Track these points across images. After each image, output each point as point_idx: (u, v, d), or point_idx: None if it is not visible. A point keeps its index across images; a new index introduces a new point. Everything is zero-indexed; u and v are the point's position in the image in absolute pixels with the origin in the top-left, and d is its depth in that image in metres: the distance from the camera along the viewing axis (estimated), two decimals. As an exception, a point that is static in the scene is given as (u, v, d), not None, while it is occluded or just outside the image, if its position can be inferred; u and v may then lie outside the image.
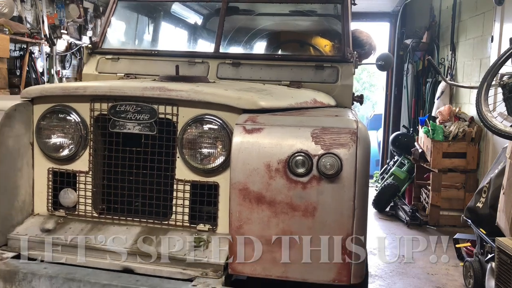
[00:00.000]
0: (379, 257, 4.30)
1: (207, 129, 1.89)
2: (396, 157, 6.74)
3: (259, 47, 3.58)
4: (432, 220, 5.28)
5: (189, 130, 1.89)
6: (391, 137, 6.80)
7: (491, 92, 3.12)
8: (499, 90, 3.10)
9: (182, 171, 1.93)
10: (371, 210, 6.03)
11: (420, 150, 5.69)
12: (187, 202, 1.93)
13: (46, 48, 5.34)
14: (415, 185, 5.89)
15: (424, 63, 6.80)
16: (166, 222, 1.95)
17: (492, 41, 4.93)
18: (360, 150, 1.66)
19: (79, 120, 1.99)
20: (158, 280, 1.73)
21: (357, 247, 1.67)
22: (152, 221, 1.97)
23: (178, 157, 1.93)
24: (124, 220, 1.99)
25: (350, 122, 1.76)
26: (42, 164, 2.07)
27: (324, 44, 3.41)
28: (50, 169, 2.06)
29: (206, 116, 1.88)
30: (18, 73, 4.57)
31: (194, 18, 3.78)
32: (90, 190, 2.02)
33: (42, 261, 1.85)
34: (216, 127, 1.87)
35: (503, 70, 3.14)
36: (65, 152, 2.03)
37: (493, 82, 3.07)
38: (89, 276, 1.72)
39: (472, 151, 5.15)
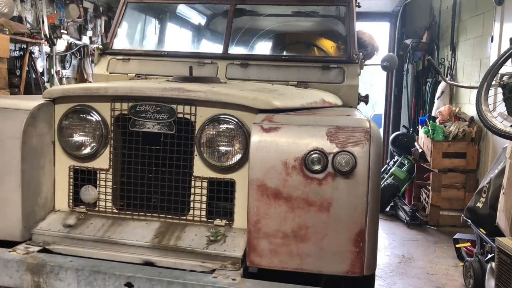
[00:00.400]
0: (379, 257, 4.31)
1: (224, 128, 1.96)
2: (396, 157, 6.74)
3: (266, 48, 3.67)
4: (432, 220, 5.28)
5: (206, 129, 1.96)
6: (391, 137, 6.80)
7: (491, 92, 3.12)
8: (499, 90, 3.10)
9: (199, 169, 2.00)
10: (371, 210, 6.03)
11: (420, 150, 5.69)
12: (204, 198, 2.01)
13: (46, 48, 5.33)
14: (415, 185, 5.89)
15: (424, 63, 6.80)
16: (184, 218, 2.02)
17: (492, 41, 4.93)
18: (373, 148, 1.73)
19: (100, 119, 2.06)
20: (179, 272, 1.79)
21: (369, 240, 1.74)
22: (170, 216, 2.03)
23: (196, 155, 2.00)
24: (143, 215, 2.06)
25: (363, 122, 1.84)
26: (63, 162, 2.13)
27: (329, 46, 3.48)
28: (71, 166, 2.12)
29: (223, 116, 1.95)
30: (18, 73, 4.56)
31: (201, 19, 3.87)
32: (110, 187, 2.09)
33: (65, 255, 1.91)
34: (232, 126, 1.94)
35: (503, 70, 3.14)
36: (86, 150, 2.09)
37: (493, 82, 3.07)
38: (113, 269, 1.78)
39: (472, 151, 5.15)
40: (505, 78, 3.03)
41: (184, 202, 2.03)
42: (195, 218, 2.01)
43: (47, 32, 5.26)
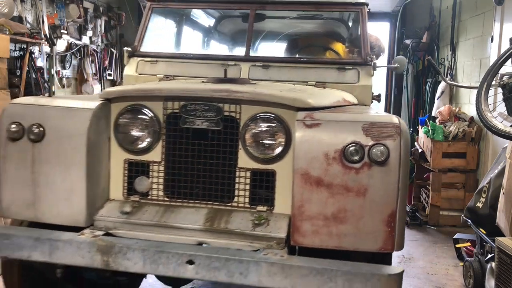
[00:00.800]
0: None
1: (267, 124, 2.21)
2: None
3: (284, 50, 3.89)
4: (432, 220, 5.28)
5: (250, 126, 2.21)
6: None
7: (491, 92, 3.13)
8: (499, 90, 3.11)
9: (243, 160, 2.24)
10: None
11: (420, 150, 5.70)
12: (247, 187, 2.24)
13: (46, 48, 5.34)
14: (415, 185, 5.89)
15: (424, 63, 6.80)
16: (230, 204, 2.25)
17: (492, 41, 4.93)
18: (403, 141, 1.98)
19: (153, 117, 2.28)
20: (234, 250, 2.01)
21: (399, 221, 1.98)
22: (217, 203, 2.26)
23: (240, 149, 2.24)
24: (192, 203, 2.28)
25: (393, 118, 2.08)
26: (118, 156, 2.35)
27: (343, 48, 3.73)
28: (126, 160, 2.35)
29: (266, 114, 2.19)
30: (18, 73, 4.56)
31: (221, 23, 4.12)
32: (162, 178, 2.30)
33: (128, 238, 2.12)
34: (274, 123, 2.19)
35: (503, 70, 3.14)
36: (141, 145, 2.31)
37: (493, 82, 3.07)
38: (176, 248, 1.97)
39: (472, 151, 5.15)
40: (505, 78, 3.03)
41: (229, 191, 2.27)
42: (239, 205, 2.24)
43: (47, 32, 5.26)
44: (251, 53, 3.23)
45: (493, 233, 3.27)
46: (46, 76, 5.36)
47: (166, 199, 2.31)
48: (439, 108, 5.80)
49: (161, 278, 2.78)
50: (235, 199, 2.25)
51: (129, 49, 3.35)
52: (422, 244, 4.68)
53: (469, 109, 5.48)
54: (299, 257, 1.99)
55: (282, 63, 3.21)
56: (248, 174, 2.24)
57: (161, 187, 2.32)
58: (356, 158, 1.98)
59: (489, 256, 3.31)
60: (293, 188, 2.03)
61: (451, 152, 5.20)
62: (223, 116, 2.23)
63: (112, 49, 7.20)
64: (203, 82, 2.58)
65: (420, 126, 5.92)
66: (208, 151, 2.27)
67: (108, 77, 7.14)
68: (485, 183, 3.63)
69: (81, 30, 6.29)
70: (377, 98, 3.40)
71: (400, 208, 1.99)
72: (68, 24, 5.82)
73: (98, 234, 2.11)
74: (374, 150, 1.97)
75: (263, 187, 2.24)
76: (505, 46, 4.13)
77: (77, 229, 2.16)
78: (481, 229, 3.53)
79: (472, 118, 5.31)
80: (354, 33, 3.61)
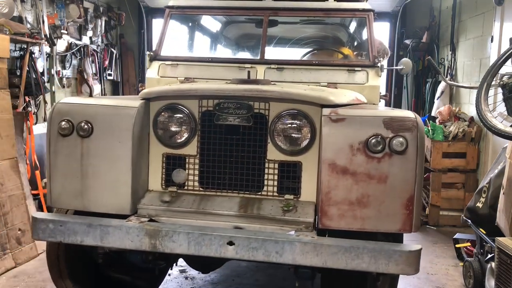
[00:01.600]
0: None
1: (293, 120, 2.45)
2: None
3: (295, 53, 4.14)
4: (432, 220, 5.28)
5: (278, 121, 2.45)
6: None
7: (491, 92, 3.13)
8: (499, 90, 3.11)
9: (272, 153, 2.49)
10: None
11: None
12: (276, 177, 2.50)
13: (46, 48, 5.33)
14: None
15: (424, 63, 6.80)
16: (259, 193, 2.50)
17: (492, 41, 4.93)
18: (419, 133, 2.22)
19: (189, 114, 2.52)
20: (269, 232, 2.25)
21: (416, 205, 2.23)
22: (248, 193, 2.51)
23: (269, 142, 2.49)
24: (225, 192, 2.53)
25: (410, 113, 2.31)
26: (157, 150, 2.58)
27: (352, 51, 4.01)
28: (164, 153, 2.58)
29: (292, 110, 2.44)
30: (18, 73, 4.56)
31: (236, 28, 4.44)
32: (198, 170, 2.55)
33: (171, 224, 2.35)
34: (300, 118, 2.44)
35: (503, 70, 3.14)
36: (178, 140, 2.55)
37: (493, 82, 3.07)
38: (217, 231, 2.20)
39: (472, 151, 5.16)
40: (505, 78, 3.04)
41: (259, 181, 2.52)
42: (269, 194, 2.50)
43: (47, 32, 5.26)
44: (265, 56, 3.43)
45: (493, 233, 3.27)
46: (46, 76, 5.36)
47: (201, 189, 2.56)
48: (439, 108, 5.80)
49: (192, 263, 3.15)
50: (265, 188, 2.50)
51: (151, 53, 3.54)
52: (422, 244, 4.64)
53: (469, 109, 5.48)
54: (329, 237, 2.22)
55: (296, 65, 3.41)
56: (276, 165, 2.50)
57: (196, 178, 2.56)
58: (378, 148, 2.21)
59: (489, 256, 3.31)
60: (321, 177, 2.25)
61: (451, 152, 5.20)
62: (253, 113, 2.48)
63: (112, 49, 7.19)
64: (227, 83, 2.74)
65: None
66: (239, 145, 2.51)
67: (108, 77, 7.14)
68: (485, 183, 3.63)
69: (81, 30, 6.28)
70: (385, 97, 3.65)
71: (417, 193, 2.24)
72: (68, 24, 5.81)
73: (144, 221, 2.32)
74: (394, 141, 2.21)
75: (290, 177, 2.49)
76: (505, 46, 4.14)
77: (121, 217, 2.34)
78: (481, 229, 3.53)
79: (472, 118, 5.31)
80: (361, 37, 3.82)
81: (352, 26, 4.06)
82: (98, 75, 6.75)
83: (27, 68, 4.65)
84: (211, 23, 4.29)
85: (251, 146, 2.51)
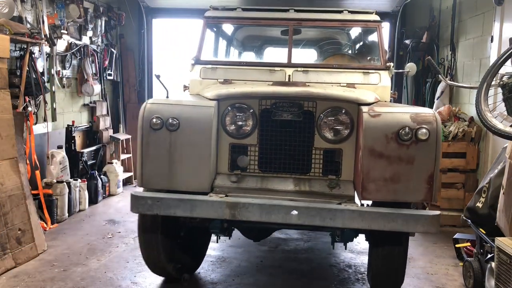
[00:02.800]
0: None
1: (336, 115, 3.11)
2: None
3: (315, 57, 4.92)
4: (432, 220, 5.27)
5: (323, 117, 3.11)
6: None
7: (491, 92, 3.13)
8: (499, 90, 3.11)
9: (318, 142, 3.16)
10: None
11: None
12: (321, 161, 3.16)
13: (46, 48, 5.33)
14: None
15: (424, 63, 6.80)
16: (308, 174, 3.16)
17: (492, 41, 4.93)
18: (438, 125, 2.85)
19: (252, 112, 3.16)
20: (322, 203, 2.87)
21: (436, 181, 2.84)
22: (298, 174, 3.16)
23: (315, 134, 3.15)
24: (280, 174, 3.17)
25: (430, 110, 2.95)
26: (224, 141, 3.21)
27: (366, 56, 4.53)
28: (230, 143, 3.21)
29: (336, 108, 3.11)
30: (18, 73, 4.56)
31: (265, 36, 5.18)
32: (257, 156, 3.19)
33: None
34: (341, 115, 3.10)
35: (503, 70, 3.14)
36: (242, 132, 3.18)
37: (493, 82, 3.07)
38: (282, 203, 2.81)
39: (472, 151, 5.16)
40: (505, 78, 3.04)
41: (308, 165, 3.17)
42: (316, 175, 3.16)
43: (47, 32, 5.25)
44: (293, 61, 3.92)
45: (493, 233, 3.27)
46: (46, 76, 5.36)
47: (260, 172, 3.20)
48: (439, 108, 5.80)
49: (245, 233, 3.70)
50: (312, 170, 3.17)
51: (193, 58, 3.99)
52: (422, 244, 4.68)
53: (469, 109, 5.48)
54: (370, 206, 2.93)
55: (319, 68, 3.91)
56: (322, 152, 3.16)
57: (256, 163, 3.21)
58: (407, 137, 2.82)
59: (489, 256, 3.31)
60: (362, 160, 2.86)
61: (451, 152, 5.20)
62: (303, 110, 3.14)
63: (112, 49, 7.19)
64: (269, 85, 3.37)
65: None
66: (291, 136, 3.16)
67: (108, 77, 7.14)
68: (485, 183, 3.63)
69: (81, 30, 6.28)
70: (394, 96, 4.19)
71: (436, 172, 2.84)
72: (68, 24, 5.81)
73: (222, 196, 2.94)
74: (419, 132, 2.82)
75: (332, 161, 3.15)
76: (505, 46, 4.13)
77: (201, 194, 2.92)
78: (481, 229, 3.53)
79: (472, 118, 5.31)
80: (372, 43, 4.33)
81: (362, 34, 4.62)
82: (98, 75, 6.75)
83: (27, 68, 4.64)
84: (242, 30, 4.98)
85: (301, 136, 3.16)
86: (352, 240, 3.18)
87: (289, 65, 3.87)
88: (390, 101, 3.94)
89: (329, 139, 3.14)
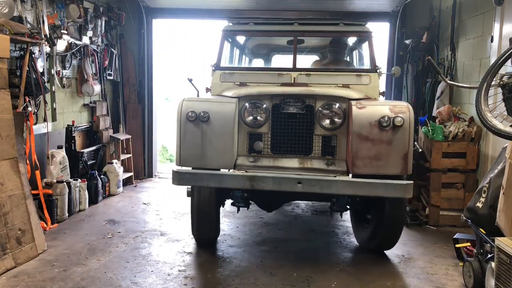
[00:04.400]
0: (379, 257, 4.31)
1: (331, 109, 3.95)
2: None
3: (316, 62, 5.46)
4: (432, 220, 5.28)
5: (322, 110, 3.96)
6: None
7: (491, 92, 3.13)
8: (499, 90, 3.10)
9: (318, 130, 4.00)
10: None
11: (420, 150, 5.69)
12: (320, 145, 4.00)
13: (46, 48, 5.33)
14: (415, 185, 5.87)
15: (424, 63, 6.80)
16: (310, 156, 4.01)
17: (492, 41, 4.93)
18: (410, 114, 3.70)
19: (265, 107, 4.02)
20: (322, 176, 3.71)
21: (409, 158, 3.68)
22: (302, 155, 4.01)
23: (315, 123, 3.99)
24: (287, 155, 4.02)
25: (404, 103, 3.83)
26: (243, 130, 4.07)
27: (357, 61, 5.46)
28: (248, 132, 4.07)
29: (331, 103, 3.96)
30: (18, 73, 4.56)
31: (273, 44, 6.15)
32: (270, 142, 4.04)
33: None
34: (336, 108, 3.94)
35: (503, 70, 3.14)
36: (257, 123, 4.03)
37: (493, 82, 3.07)
38: (290, 175, 3.70)
39: (472, 151, 5.15)
40: (505, 78, 3.03)
41: (309, 148, 4.02)
42: (316, 155, 4.01)
43: (47, 32, 5.25)
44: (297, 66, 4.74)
45: (493, 233, 3.27)
46: (46, 76, 5.36)
47: (272, 154, 4.05)
48: (439, 108, 5.80)
49: (261, 205, 4.51)
50: (313, 152, 4.01)
51: (213, 65, 4.79)
52: (422, 244, 4.68)
53: (469, 109, 5.48)
54: (358, 179, 3.65)
55: (319, 71, 4.69)
56: (320, 138, 4.01)
57: (269, 147, 4.06)
58: (386, 124, 3.66)
59: (489, 256, 3.31)
60: (351, 143, 3.71)
61: (451, 152, 5.20)
62: (306, 104, 4.00)
63: (112, 49, 7.19)
64: (278, 86, 4.33)
65: (420, 126, 5.92)
66: (296, 125, 4.02)
67: (108, 77, 7.14)
68: (485, 183, 3.63)
69: (81, 30, 6.28)
70: (382, 94, 4.83)
71: (410, 150, 3.68)
72: (68, 24, 5.81)
73: (243, 171, 3.80)
74: (396, 119, 3.65)
75: (329, 145, 3.99)
76: (505, 46, 4.13)
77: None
78: (481, 229, 3.53)
79: (472, 118, 5.31)
80: (363, 50, 5.14)
81: (356, 42, 5.38)
82: (98, 75, 6.75)
83: (27, 68, 4.64)
84: (254, 40, 5.90)
85: (304, 126, 4.02)
86: (346, 209, 4.12)
87: (294, 69, 4.63)
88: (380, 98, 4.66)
89: (326, 127, 3.97)
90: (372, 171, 3.67)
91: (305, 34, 4.95)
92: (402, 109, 3.71)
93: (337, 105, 3.91)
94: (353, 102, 3.78)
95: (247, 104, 3.99)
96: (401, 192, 3.56)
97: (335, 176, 3.66)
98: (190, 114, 3.82)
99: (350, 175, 3.82)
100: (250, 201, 4.27)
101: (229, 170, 3.85)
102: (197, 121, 3.83)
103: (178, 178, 3.78)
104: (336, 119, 3.92)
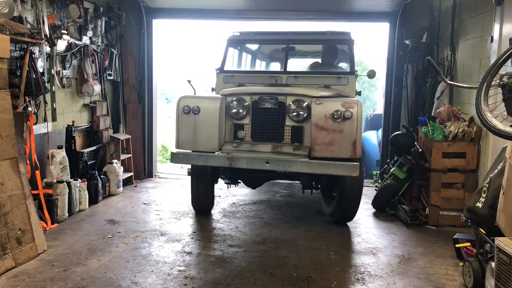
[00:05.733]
0: (379, 257, 4.31)
1: (299, 104, 4.72)
2: (396, 157, 6.73)
3: (303, 66, 6.81)
4: (432, 220, 5.28)
5: (291, 105, 4.74)
6: (390, 137, 6.80)
7: (491, 92, 3.13)
8: (499, 90, 3.11)
9: (288, 121, 4.77)
10: (371, 210, 6.03)
11: (420, 150, 5.69)
12: (290, 134, 4.77)
13: (47, 48, 5.33)
14: (415, 185, 5.88)
15: (424, 63, 6.80)
16: (281, 143, 4.78)
17: (492, 41, 4.93)
18: (358, 108, 4.46)
19: (246, 103, 4.85)
20: (286, 158, 4.46)
21: (358, 144, 4.44)
22: (275, 142, 4.79)
23: (286, 116, 4.77)
24: (263, 142, 4.80)
25: (354, 99, 4.62)
26: (229, 121, 4.90)
27: (339, 64, 6.44)
28: (232, 123, 4.91)
29: (298, 99, 4.73)
30: (18, 73, 4.56)
31: (267, 52, 7.35)
32: (250, 131, 4.86)
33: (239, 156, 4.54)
34: (301, 104, 4.70)
35: (503, 70, 3.14)
36: (240, 116, 4.87)
37: (493, 82, 3.07)
38: (260, 156, 4.49)
39: (472, 151, 5.15)
40: (505, 78, 3.04)
41: (281, 136, 4.80)
42: (286, 142, 4.78)
43: (47, 32, 5.25)
44: (287, 69, 5.82)
45: (493, 233, 3.28)
46: (46, 76, 5.36)
47: (251, 140, 4.87)
48: (439, 108, 5.80)
49: (246, 182, 5.56)
50: (284, 140, 4.80)
51: (217, 69, 5.82)
52: (422, 244, 4.68)
53: (469, 109, 5.48)
54: (314, 159, 4.44)
55: (305, 74, 5.70)
56: (290, 128, 4.79)
57: (249, 135, 4.89)
58: (338, 116, 4.46)
59: (489, 256, 3.31)
60: (312, 132, 4.53)
61: (450, 152, 5.20)
62: (279, 101, 4.80)
63: (112, 49, 7.19)
64: (265, 86, 5.16)
65: (420, 126, 5.92)
66: (271, 118, 4.82)
67: (108, 77, 7.14)
68: (485, 183, 3.63)
69: (81, 30, 6.28)
70: (358, 93, 5.73)
71: (358, 138, 4.45)
72: (68, 24, 5.81)
73: (225, 154, 4.58)
74: (345, 113, 4.44)
75: (297, 134, 4.76)
76: (505, 46, 4.13)
77: (212, 153, 4.67)
78: (481, 229, 3.53)
79: (471, 118, 5.31)
80: (346, 56, 6.02)
81: (339, 49, 6.23)
82: (98, 75, 6.75)
83: (27, 68, 4.64)
84: (253, 47, 7.03)
85: (277, 118, 4.82)
86: (309, 187, 5.37)
87: (285, 72, 5.68)
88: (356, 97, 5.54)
89: (294, 120, 4.77)
90: (328, 154, 4.47)
91: (295, 42, 6.00)
92: (352, 105, 4.48)
93: (303, 101, 4.71)
94: (314, 99, 4.60)
95: (232, 100, 4.86)
96: (348, 171, 4.29)
97: (299, 158, 4.44)
98: (185, 108, 4.78)
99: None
100: (239, 181, 5.50)
101: (215, 153, 4.68)
102: (190, 114, 4.78)
103: (174, 158, 4.74)
104: (301, 113, 4.71)
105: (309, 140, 4.60)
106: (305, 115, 4.68)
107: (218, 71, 5.78)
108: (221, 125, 4.79)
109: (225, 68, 5.79)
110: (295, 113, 4.71)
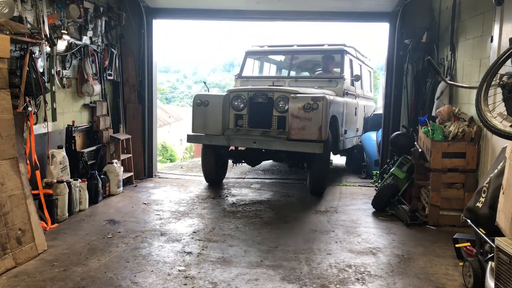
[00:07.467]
0: (379, 257, 4.31)
1: (283, 99, 6.40)
2: (396, 157, 6.73)
3: (302, 71, 9.27)
4: (431, 220, 5.28)
5: (278, 99, 6.44)
6: (390, 137, 6.81)
7: (491, 92, 3.13)
8: (499, 90, 3.11)
9: (275, 112, 6.48)
10: (371, 210, 6.03)
11: (420, 150, 5.69)
12: (277, 122, 6.46)
13: (47, 48, 5.33)
14: (415, 185, 5.89)
15: (424, 63, 6.80)
16: (270, 129, 6.48)
17: (491, 41, 4.93)
18: (325, 101, 6.09)
19: (244, 98, 6.63)
20: (270, 139, 6.34)
21: (324, 129, 6.07)
22: (265, 129, 6.50)
23: (274, 108, 6.47)
24: (256, 129, 6.56)
25: (322, 95, 6.29)
26: (232, 112, 6.71)
27: (332, 69, 8.05)
28: (234, 114, 6.70)
29: (282, 96, 6.42)
30: (18, 73, 4.56)
31: (276, 60, 9.21)
32: (247, 120, 6.63)
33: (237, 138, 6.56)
34: (285, 99, 6.37)
35: (503, 70, 3.14)
36: (240, 108, 6.65)
37: (493, 82, 3.08)
38: (249, 137, 6.47)
39: (472, 151, 5.15)
40: (505, 78, 3.04)
41: (270, 124, 6.48)
42: (273, 129, 6.47)
43: (47, 32, 5.26)
44: (291, 74, 7.97)
45: (493, 233, 3.28)
46: (46, 76, 5.36)
47: (248, 127, 6.56)
48: (439, 108, 5.80)
49: (246, 161, 7.21)
50: (272, 127, 6.44)
51: (236, 75, 8.02)
52: (422, 244, 4.68)
53: (469, 109, 5.48)
54: (292, 141, 6.15)
55: (304, 79, 7.70)
56: (277, 118, 6.42)
57: (246, 123, 6.58)
58: (308, 108, 6.04)
59: (489, 256, 3.31)
60: (289, 120, 6.16)
61: (450, 152, 5.19)
62: (268, 97, 6.47)
63: (112, 49, 7.20)
64: (254, 86, 7.03)
65: (420, 126, 5.92)
66: (263, 110, 6.49)
67: (108, 77, 7.14)
68: (484, 183, 3.63)
69: (82, 30, 6.28)
70: (346, 93, 7.49)
71: (324, 125, 6.01)
72: (69, 24, 5.81)
73: (226, 136, 6.51)
74: (313, 105, 6.03)
75: (282, 122, 6.36)
76: (505, 46, 4.13)
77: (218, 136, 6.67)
78: (481, 229, 3.53)
79: (471, 118, 5.31)
80: (339, 63, 7.81)
81: (334, 58, 8.05)
82: (98, 75, 6.75)
83: (27, 68, 4.64)
84: (268, 57, 9.05)
85: (267, 110, 6.43)
86: (295, 166, 7.01)
87: (288, 77, 7.74)
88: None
89: (279, 111, 6.37)
90: (301, 137, 6.04)
91: (298, 53, 8.34)
92: (319, 98, 6.03)
93: (286, 97, 6.30)
94: (292, 95, 6.19)
95: (234, 96, 6.62)
96: (313, 149, 5.96)
97: (280, 140, 6.14)
98: (198, 101, 6.67)
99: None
100: (243, 160, 7.16)
101: (219, 135, 6.49)
102: (201, 106, 6.60)
103: (189, 139, 6.83)
104: (283, 106, 6.31)
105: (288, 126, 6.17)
106: (286, 107, 6.26)
107: (236, 77, 8.02)
108: (225, 115, 6.58)
109: (243, 75, 8.00)
110: (279, 106, 6.34)
